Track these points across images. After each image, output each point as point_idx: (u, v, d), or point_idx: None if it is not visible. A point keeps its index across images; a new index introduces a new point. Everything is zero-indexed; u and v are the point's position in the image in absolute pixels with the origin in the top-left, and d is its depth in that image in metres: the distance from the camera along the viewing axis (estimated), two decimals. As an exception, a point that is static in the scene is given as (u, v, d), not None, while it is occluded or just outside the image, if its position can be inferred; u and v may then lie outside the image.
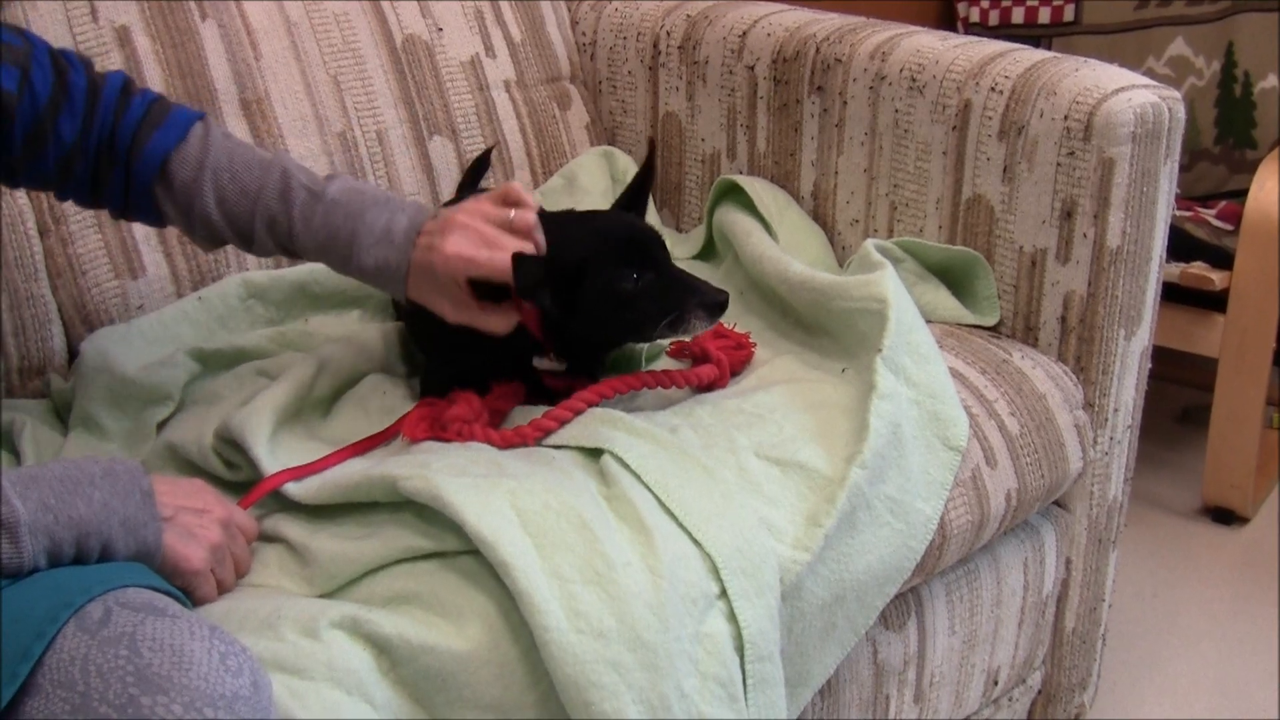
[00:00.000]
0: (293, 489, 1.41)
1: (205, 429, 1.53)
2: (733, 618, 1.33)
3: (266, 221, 1.49)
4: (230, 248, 1.74)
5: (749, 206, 1.98)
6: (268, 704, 1.04)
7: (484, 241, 1.44)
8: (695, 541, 1.34)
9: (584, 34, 2.27)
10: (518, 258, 1.41)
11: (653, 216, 2.14)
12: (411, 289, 1.48)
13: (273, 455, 1.47)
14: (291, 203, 1.49)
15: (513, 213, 1.47)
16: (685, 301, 1.49)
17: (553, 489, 1.32)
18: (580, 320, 1.52)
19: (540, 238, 1.47)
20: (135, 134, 1.47)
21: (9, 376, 1.71)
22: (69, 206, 1.72)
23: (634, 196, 1.63)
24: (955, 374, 1.67)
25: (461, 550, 1.29)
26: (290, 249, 1.51)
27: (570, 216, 1.63)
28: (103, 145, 1.47)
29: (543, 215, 1.51)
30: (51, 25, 1.76)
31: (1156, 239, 1.77)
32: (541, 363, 1.59)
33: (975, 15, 3.10)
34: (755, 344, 1.71)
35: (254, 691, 1.03)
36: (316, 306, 1.89)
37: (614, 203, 1.66)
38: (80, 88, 1.46)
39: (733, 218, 1.96)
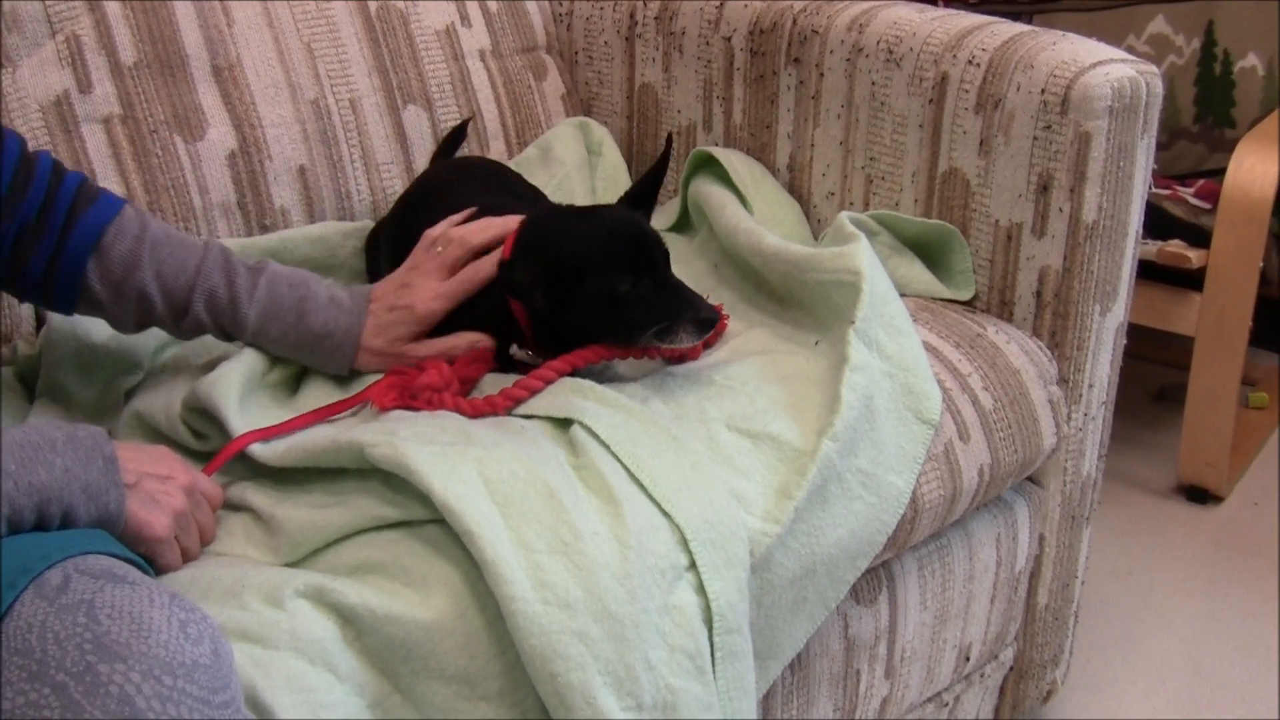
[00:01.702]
0: (259, 449, 1.40)
1: (174, 398, 1.52)
2: (701, 590, 1.32)
3: (206, 294, 1.52)
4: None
5: (724, 179, 1.96)
6: (229, 672, 1.03)
7: (448, 269, 1.60)
8: (664, 513, 1.33)
9: (560, 4, 2.25)
10: (504, 263, 1.51)
11: (627, 188, 2.13)
12: (362, 356, 1.58)
13: (242, 418, 1.46)
14: (234, 275, 1.54)
15: (439, 248, 1.61)
16: (678, 314, 1.48)
17: (520, 458, 1.31)
18: (571, 319, 1.51)
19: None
20: (71, 206, 1.48)
21: (-25, 344, 1.70)
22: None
23: (643, 193, 1.63)
24: (929, 347, 1.67)
25: (428, 519, 1.28)
26: (228, 323, 1.55)
27: (578, 212, 1.63)
28: (32, 217, 1.46)
29: (552, 210, 1.60)
30: (20, -12, 1.74)
31: (1133, 214, 1.77)
32: (517, 353, 1.58)
33: (955, -11, 3.09)
34: (729, 316, 1.70)
35: (215, 660, 1.02)
36: (288, 275, 1.87)
37: (621, 197, 1.65)
38: (14, 155, 1.46)
39: (708, 190, 1.95)
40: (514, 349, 1.58)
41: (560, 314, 1.51)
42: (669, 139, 1.73)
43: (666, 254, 1.53)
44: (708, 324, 1.50)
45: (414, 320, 1.58)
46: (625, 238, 1.52)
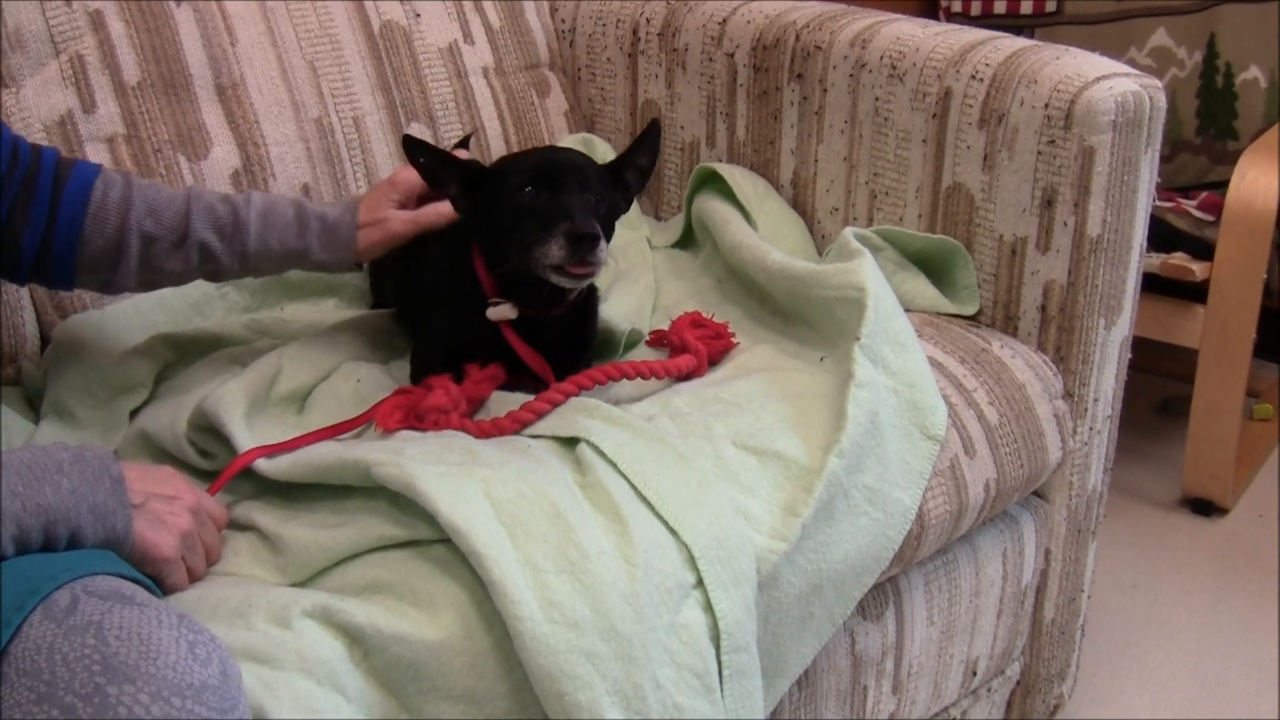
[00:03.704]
0: (264, 465, 1.40)
1: (179, 417, 1.51)
2: (709, 608, 1.32)
3: (203, 212, 1.56)
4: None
5: (728, 195, 1.97)
6: (237, 693, 1.03)
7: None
8: (671, 531, 1.33)
9: (563, 21, 2.25)
10: (408, 140, 1.58)
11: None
12: (364, 235, 1.63)
13: (248, 435, 1.46)
14: (224, 196, 1.58)
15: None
16: (555, 226, 1.47)
17: (527, 477, 1.31)
18: (482, 226, 1.57)
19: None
20: (55, 174, 1.50)
21: (-20, 363, 1.70)
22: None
23: (624, 160, 1.63)
24: (934, 363, 1.67)
25: (434, 539, 1.27)
26: (230, 233, 1.57)
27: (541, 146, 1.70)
28: (16, 193, 1.47)
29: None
30: (25, 10, 1.74)
31: (1137, 228, 1.77)
32: (494, 312, 1.57)
33: (957, 5, 3.09)
34: (734, 334, 1.70)
35: (223, 681, 1.01)
36: (292, 294, 1.88)
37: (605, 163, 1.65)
38: (6, 142, 1.46)
39: (712, 206, 1.95)
40: (490, 310, 1.58)
41: (477, 218, 1.58)
42: (654, 122, 1.68)
43: (582, 180, 1.53)
44: (581, 239, 1.46)
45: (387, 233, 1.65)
46: (540, 156, 1.59)
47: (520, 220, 1.50)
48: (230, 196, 1.59)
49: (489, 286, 1.58)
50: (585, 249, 1.46)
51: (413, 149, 1.57)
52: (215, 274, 1.61)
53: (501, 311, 1.57)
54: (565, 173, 1.53)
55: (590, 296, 1.66)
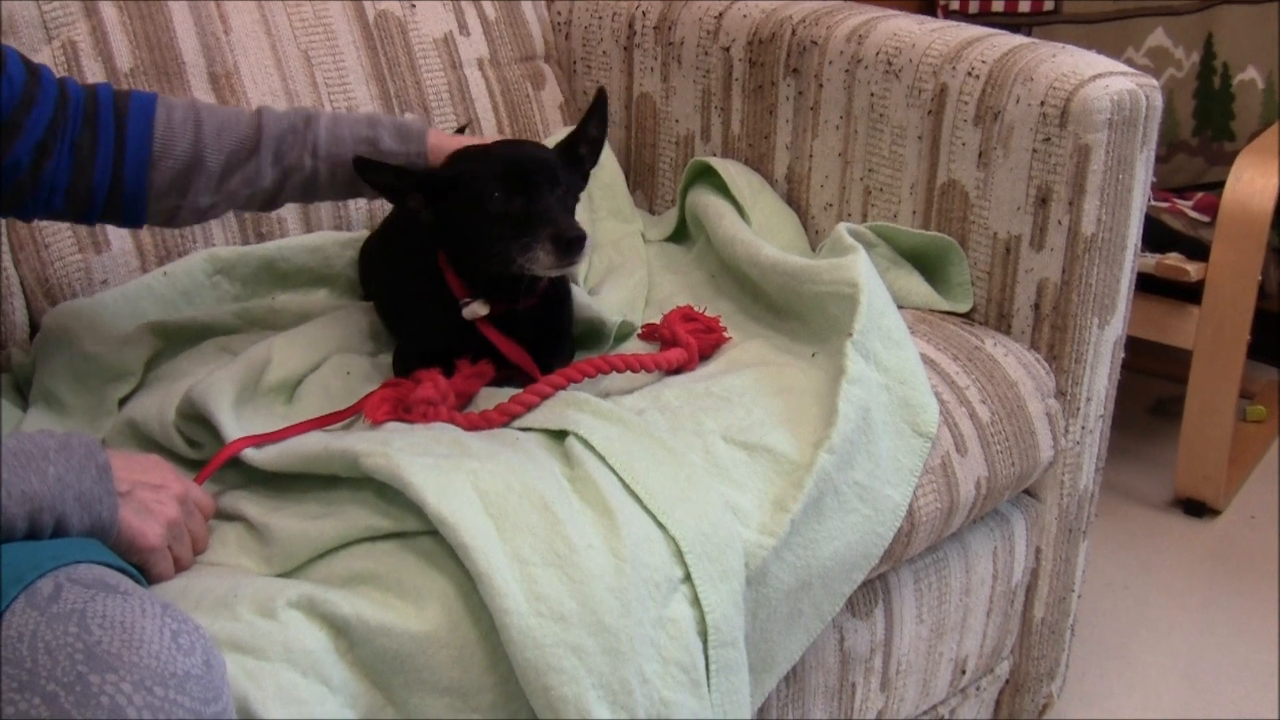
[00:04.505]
0: (251, 454, 1.40)
1: (168, 406, 1.51)
2: (696, 602, 1.32)
3: (274, 116, 1.57)
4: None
5: (722, 189, 1.96)
6: (220, 683, 1.03)
7: None
8: (659, 525, 1.33)
9: (559, 13, 2.25)
10: (358, 159, 1.54)
11: (624, 198, 2.12)
12: (434, 136, 1.64)
13: (236, 423, 1.45)
14: (291, 110, 1.59)
15: None
16: (538, 232, 1.47)
17: (515, 470, 1.31)
18: (452, 233, 1.55)
19: None
20: (115, 101, 1.49)
21: (-31, 350, 1.70)
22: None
23: (576, 139, 1.62)
24: (927, 360, 1.66)
25: (422, 531, 1.27)
26: (303, 129, 1.57)
27: (486, 143, 1.64)
28: (85, 124, 1.46)
29: (473, 145, 1.61)
30: (17, -6, 1.74)
31: (1131, 227, 1.76)
32: (468, 310, 1.57)
33: (955, 2, 3.08)
34: (725, 328, 1.70)
35: (206, 670, 1.01)
36: (283, 284, 1.87)
37: (558, 142, 1.64)
38: (51, 80, 1.45)
39: (706, 200, 1.95)
40: (464, 310, 1.57)
41: (442, 227, 1.55)
42: (600, 92, 1.66)
43: (551, 178, 1.52)
44: (569, 244, 1.46)
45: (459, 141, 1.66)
46: (505, 157, 1.55)
47: (496, 227, 1.49)
48: (298, 110, 1.60)
49: (458, 287, 1.57)
50: (575, 251, 1.47)
51: (364, 170, 1.53)
52: (285, 177, 1.58)
53: (474, 309, 1.56)
54: (533, 172, 1.51)
55: (560, 281, 1.65)
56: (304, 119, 1.58)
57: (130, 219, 1.53)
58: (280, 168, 1.57)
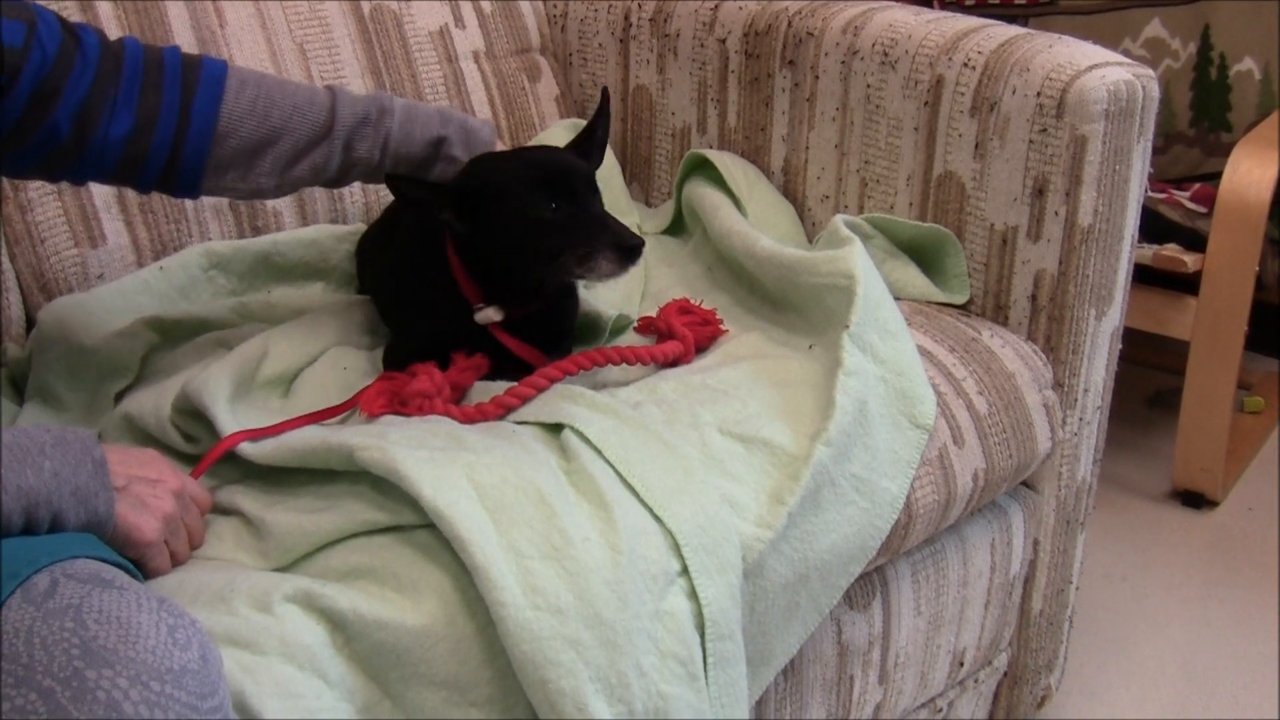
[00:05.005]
0: (247, 448, 1.39)
1: (164, 401, 1.51)
2: (693, 595, 1.31)
3: (349, 100, 1.55)
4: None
5: (719, 181, 1.96)
6: (217, 678, 1.02)
7: None
8: (656, 517, 1.32)
9: (555, 6, 2.25)
10: (390, 177, 1.50)
11: (621, 191, 2.12)
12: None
13: (232, 417, 1.45)
14: (365, 97, 1.58)
15: None
16: (597, 239, 1.48)
17: (511, 463, 1.30)
18: (492, 244, 1.52)
19: None
20: (184, 68, 1.48)
21: (-36, 345, 1.70)
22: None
23: (585, 142, 1.63)
24: (924, 352, 1.66)
25: (418, 524, 1.27)
26: (376, 119, 1.57)
27: (517, 149, 1.66)
28: (146, 87, 1.45)
29: (493, 153, 1.61)
30: (11, -12, 1.73)
31: (1129, 218, 1.76)
32: (481, 316, 1.56)
33: (952, -7, 3.08)
34: (721, 320, 1.69)
35: (203, 665, 1.01)
36: (279, 278, 1.87)
37: (567, 145, 1.65)
38: (93, 45, 1.43)
39: (702, 192, 1.95)
40: (477, 316, 1.56)
41: (477, 237, 1.52)
42: (604, 92, 1.68)
43: (591, 184, 1.53)
44: (630, 252, 1.48)
45: None
46: (544, 164, 1.54)
47: (548, 237, 1.49)
48: (373, 92, 1.59)
49: (471, 292, 1.57)
50: (635, 258, 1.49)
51: (399, 185, 1.51)
52: (351, 167, 1.58)
53: (487, 315, 1.56)
54: (577, 179, 1.52)
55: (572, 283, 1.65)
56: (378, 110, 1.56)
57: (184, 190, 1.52)
58: (348, 158, 1.57)
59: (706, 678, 1.31)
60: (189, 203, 1.82)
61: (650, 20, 2.12)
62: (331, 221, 1.96)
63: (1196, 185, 2.74)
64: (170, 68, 1.47)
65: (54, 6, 1.74)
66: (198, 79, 1.48)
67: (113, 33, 1.79)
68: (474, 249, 1.55)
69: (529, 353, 1.58)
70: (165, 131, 1.45)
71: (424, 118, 1.59)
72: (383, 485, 1.30)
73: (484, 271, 1.56)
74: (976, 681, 1.93)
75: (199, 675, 1.00)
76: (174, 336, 1.69)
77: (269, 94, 1.51)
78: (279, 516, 1.32)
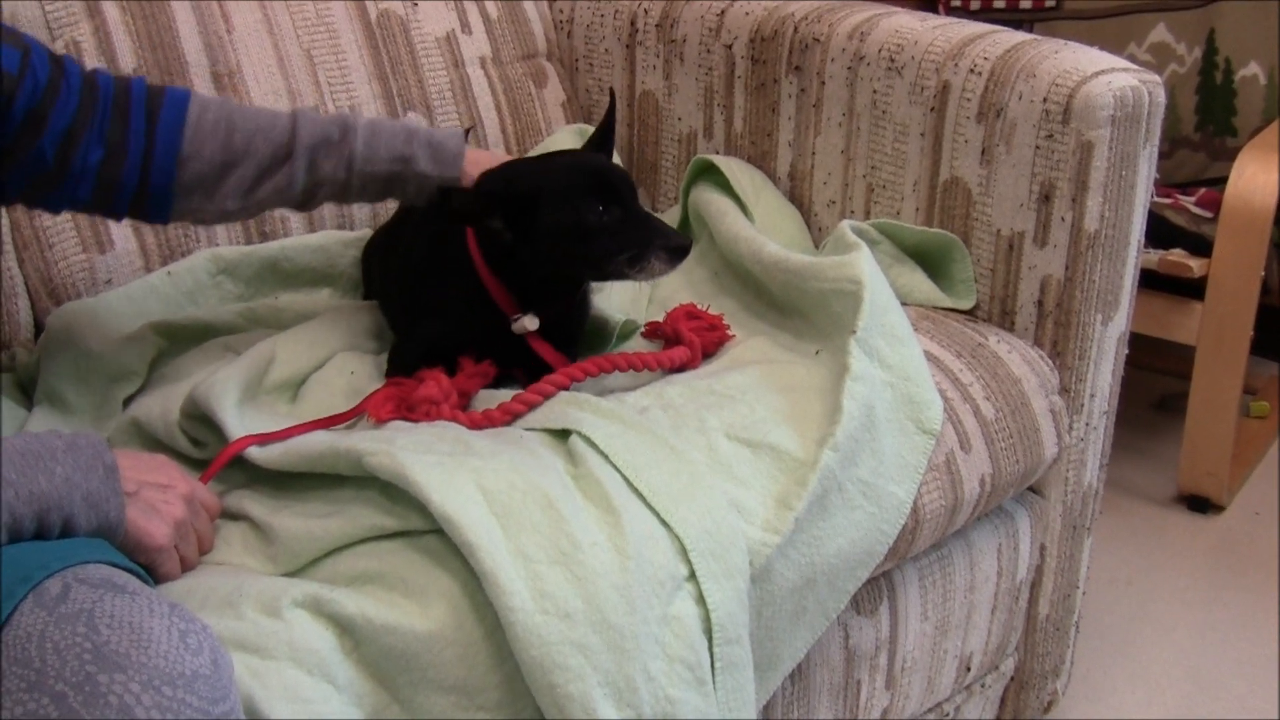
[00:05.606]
0: (255, 453, 1.40)
1: (172, 405, 1.51)
2: (701, 600, 1.32)
3: (309, 121, 1.55)
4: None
5: (725, 187, 1.96)
6: (228, 683, 1.03)
7: None
8: (663, 522, 1.33)
9: (561, 11, 2.25)
10: (443, 190, 1.51)
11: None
12: (470, 156, 1.62)
13: (240, 421, 1.45)
14: (328, 117, 1.57)
15: None
16: (649, 241, 1.50)
17: (519, 468, 1.31)
18: (538, 250, 1.52)
19: None
20: (148, 97, 1.49)
21: (-26, 350, 1.70)
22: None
23: (596, 146, 1.65)
24: (930, 357, 1.66)
25: (426, 529, 1.27)
26: (339, 140, 1.56)
27: (547, 155, 1.67)
28: (115, 115, 1.46)
29: (519, 159, 1.63)
30: (20, -6, 1.74)
31: (1135, 223, 1.76)
32: (518, 325, 1.57)
33: (957, -1, 3.09)
34: (728, 325, 1.70)
35: (214, 670, 1.01)
36: (286, 283, 1.87)
37: (583, 145, 1.67)
38: (75, 74, 1.45)
39: (708, 198, 1.95)
40: (514, 324, 1.57)
41: (525, 245, 1.52)
42: (612, 94, 1.71)
43: (633, 187, 1.55)
44: (680, 251, 1.51)
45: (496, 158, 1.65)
46: (589, 170, 1.55)
47: (600, 241, 1.50)
48: (336, 113, 1.60)
49: (504, 300, 1.57)
50: (684, 257, 1.52)
51: (449, 200, 1.50)
52: (317, 187, 1.57)
53: (524, 324, 1.57)
54: (620, 183, 1.54)
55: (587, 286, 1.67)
56: (340, 130, 1.56)
57: (156, 216, 1.53)
58: (312, 178, 1.56)
59: (714, 682, 1.32)
60: (196, 208, 1.83)
61: (656, 25, 2.12)
62: (339, 227, 1.97)
63: (1202, 190, 2.74)
64: (136, 97, 1.49)
65: (62, 14, 1.75)
66: (161, 104, 1.49)
67: (121, 40, 1.80)
68: (515, 256, 1.55)
69: (555, 356, 1.58)
70: (135, 157, 1.47)
71: (389, 135, 1.59)
72: (391, 490, 1.30)
73: (520, 279, 1.56)
74: (983, 686, 1.93)
75: (210, 680, 1.00)
76: (182, 341, 1.69)
77: (230, 117, 1.52)
78: (287, 521, 1.33)
